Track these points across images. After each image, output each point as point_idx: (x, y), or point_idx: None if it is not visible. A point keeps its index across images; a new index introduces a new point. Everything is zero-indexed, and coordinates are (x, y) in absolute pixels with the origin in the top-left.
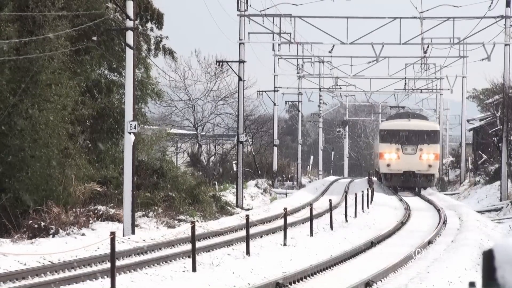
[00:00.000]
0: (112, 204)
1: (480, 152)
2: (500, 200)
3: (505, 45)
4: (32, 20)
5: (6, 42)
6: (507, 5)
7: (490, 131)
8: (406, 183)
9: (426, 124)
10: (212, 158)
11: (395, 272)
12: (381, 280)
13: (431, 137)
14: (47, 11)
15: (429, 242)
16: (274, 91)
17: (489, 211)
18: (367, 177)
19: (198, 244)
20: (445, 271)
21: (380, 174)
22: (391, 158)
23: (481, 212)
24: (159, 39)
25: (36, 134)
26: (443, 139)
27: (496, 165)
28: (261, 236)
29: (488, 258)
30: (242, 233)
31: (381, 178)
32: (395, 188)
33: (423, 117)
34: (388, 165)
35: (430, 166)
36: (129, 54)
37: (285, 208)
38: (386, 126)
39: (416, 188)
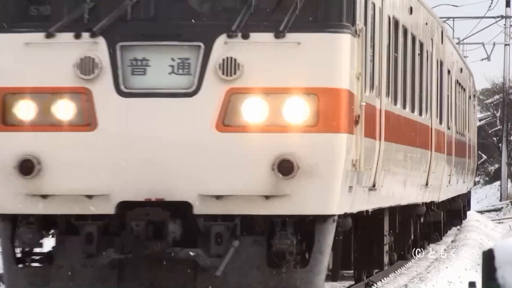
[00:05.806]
0: None
1: (480, 152)
2: (500, 200)
3: (505, 45)
4: None
5: None
6: (507, 5)
7: (490, 131)
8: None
9: None
10: None
11: (395, 272)
12: (381, 280)
13: None
14: None
15: (429, 242)
16: None
17: (489, 211)
18: None
19: None
20: (445, 271)
21: None
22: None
23: (481, 212)
24: None
25: None
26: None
27: (496, 165)
28: None
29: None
30: None
31: None
32: None
33: None
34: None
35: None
36: None
37: None
38: None
39: None
